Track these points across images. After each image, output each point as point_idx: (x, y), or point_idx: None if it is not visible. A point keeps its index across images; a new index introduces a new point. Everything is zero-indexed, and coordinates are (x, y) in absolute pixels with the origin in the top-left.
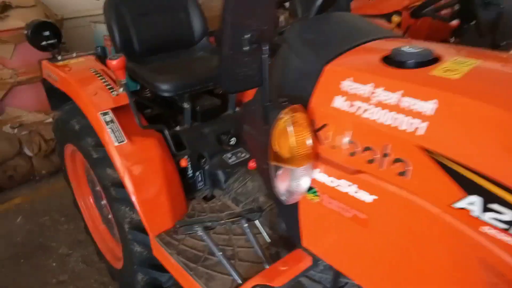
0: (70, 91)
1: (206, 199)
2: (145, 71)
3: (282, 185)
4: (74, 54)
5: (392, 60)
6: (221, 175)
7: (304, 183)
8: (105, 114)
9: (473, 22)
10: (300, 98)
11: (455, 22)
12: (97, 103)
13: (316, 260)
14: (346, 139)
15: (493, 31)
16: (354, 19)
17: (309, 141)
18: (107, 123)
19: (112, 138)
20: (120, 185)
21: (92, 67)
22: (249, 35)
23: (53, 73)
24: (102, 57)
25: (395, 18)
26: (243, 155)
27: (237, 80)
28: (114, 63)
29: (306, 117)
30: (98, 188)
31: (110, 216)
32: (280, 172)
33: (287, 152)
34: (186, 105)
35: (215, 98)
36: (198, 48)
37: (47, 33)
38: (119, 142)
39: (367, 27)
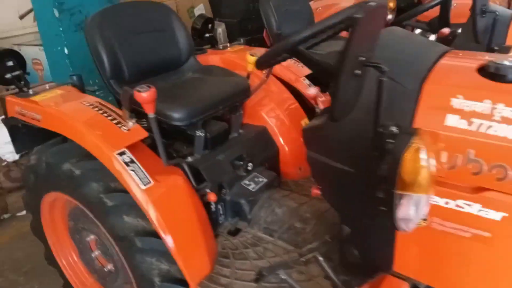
0: (67, 131)
1: (231, 233)
2: None
3: (402, 213)
4: (47, 86)
5: (492, 74)
6: (244, 204)
7: (426, 208)
8: (122, 154)
9: (459, 30)
10: (398, 120)
11: (446, 30)
12: (110, 142)
13: (415, 286)
14: (467, 158)
15: (490, 37)
16: (403, 33)
17: (435, 166)
18: (127, 164)
19: (137, 180)
20: (148, 233)
21: (83, 100)
22: (363, 58)
23: (32, 111)
24: (79, 86)
25: None
26: (260, 179)
27: (347, 106)
28: (144, 95)
29: (431, 141)
30: (91, 239)
31: (110, 267)
32: (403, 200)
33: (417, 179)
34: (199, 133)
35: (221, 122)
36: (187, 69)
37: (10, 63)
38: (145, 185)
39: (422, 40)
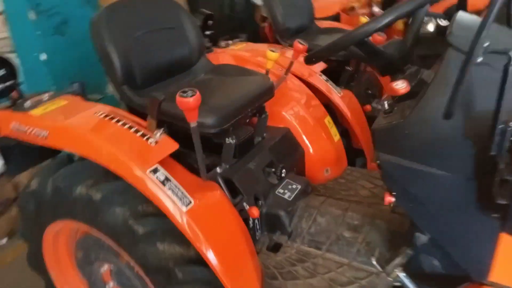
0: (82, 148)
1: (272, 249)
2: (172, 106)
3: None
4: (45, 97)
5: None
6: (283, 216)
7: None
8: (155, 171)
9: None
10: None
11: None
12: (140, 158)
13: None
14: None
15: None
16: None
17: None
18: (163, 183)
19: (177, 201)
20: (188, 261)
21: (95, 110)
22: (487, 43)
23: (35, 126)
24: (82, 95)
25: (363, 19)
26: (294, 186)
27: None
28: (191, 100)
29: None
30: (105, 270)
31: None
32: None
33: None
34: (229, 140)
35: (247, 126)
36: (199, 69)
37: (2, 71)
38: (186, 206)
39: None
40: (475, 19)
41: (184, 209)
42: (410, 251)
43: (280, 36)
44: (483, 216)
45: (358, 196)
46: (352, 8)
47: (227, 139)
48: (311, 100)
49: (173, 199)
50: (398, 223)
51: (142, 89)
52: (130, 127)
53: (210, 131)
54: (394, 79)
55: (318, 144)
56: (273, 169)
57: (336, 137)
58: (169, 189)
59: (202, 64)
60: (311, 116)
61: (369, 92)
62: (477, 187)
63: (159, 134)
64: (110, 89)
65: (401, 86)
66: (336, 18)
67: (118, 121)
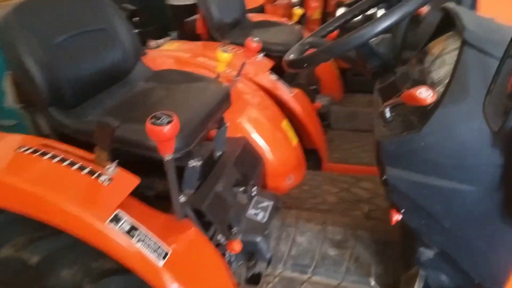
0: (6, 200)
1: (252, 281)
2: (126, 130)
3: None
4: None
5: None
6: (261, 242)
7: None
8: (116, 220)
9: None
10: None
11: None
12: (94, 205)
13: None
14: None
15: None
16: None
17: None
18: (129, 233)
19: (151, 256)
20: None
21: (14, 144)
22: None
23: None
24: None
25: (297, 11)
26: (264, 204)
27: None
28: (168, 130)
29: None
30: None
31: None
32: None
33: None
34: (194, 162)
35: (206, 142)
36: (136, 77)
37: None
38: (163, 258)
39: None
40: (475, 14)
41: (161, 263)
42: (423, 272)
43: (219, 32)
44: (506, 227)
45: (327, 204)
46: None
47: (190, 161)
48: (266, 103)
49: (145, 253)
50: (382, 231)
51: (74, 108)
52: (72, 164)
53: (177, 154)
54: (384, 81)
55: (279, 152)
56: (243, 188)
57: (294, 140)
58: (139, 240)
59: (140, 71)
60: (268, 121)
61: (311, 88)
62: (502, 198)
63: (112, 169)
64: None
65: (426, 94)
66: (260, 9)
67: (53, 156)
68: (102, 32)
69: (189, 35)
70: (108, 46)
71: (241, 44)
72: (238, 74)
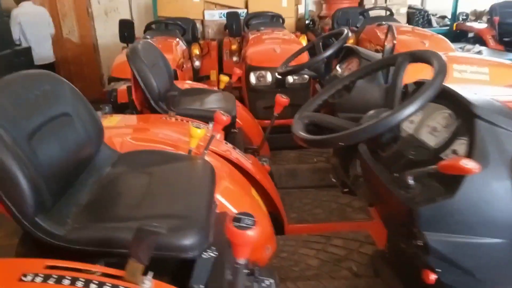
0: None
1: None
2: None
3: None
4: None
5: None
6: None
7: None
8: None
9: None
10: None
11: None
12: None
13: None
14: None
15: None
16: None
17: None
18: None
19: None
20: None
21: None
22: None
23: None
24: None
25: (223, 77)
26: (267, 282)
27: None
28: (252, 235)
29: None
30: None
31: None
32: None
33: None
34: (208, 254)
35: None
36: (101, 162)
37: None
38: None
39: None
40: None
41: None
42: None
43: (163, 104)
44: None
45: (313, 269)
46: (182, 65)
47: (204, 253)
48: (234, 174)
49: None
50: (380, 285)
51: (51, 211)
52: (101, 286)
53: (192, 254)
54: (384, 150)
55: (256, 223)
56: (247, 271)
57: (264, 208)
58: None
59: (104, 154)
60: (242, 193)
61: (252, 150)
62: None
63: (148, 283)
64: None
65: (472, 165)
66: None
67: (73, 280)
68: (66, 117)
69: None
70: (73, 131)
71: (187, 115)
72: (207, 148)
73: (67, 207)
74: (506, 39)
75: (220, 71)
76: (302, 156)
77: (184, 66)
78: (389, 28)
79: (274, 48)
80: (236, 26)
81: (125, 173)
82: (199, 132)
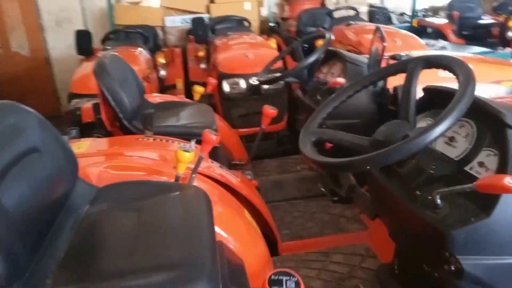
0: None
1: None
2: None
3: None
4: None
5: None
6: None
7: None
8: None
9: None
10: None
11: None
12: None
13: None
14: None
15: None
16: None
17: None
18: None
19: None
20: None
21: None
22: None
23: None
24: None
25: (198, 89)
26: None
27: None
28: None
29: None
30: None
31: None
32: None
33: None
34: None
35: None
36: (78, 201)
37: None
38: None
39: None
40: None
41: None
42: None
43: (142, 122)
44: None
45: None
46: (148, 76)
47: None
48: (226, 197)
49: None
50: None
51: (28, 276)
52: None
53: None
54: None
55: (254, 249)
56: None
57: (259, 230)
58: None
59: (81, 191)
60: (236, 218)
61: (236, 164)
62: None
63: None
64: None
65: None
66: None
67: None
68: (35, 153)
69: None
70: (43, 168)
71: (166, 134)
72: (195, 171)
73: (45, 264)
74: (465, 33)
75: (186, 79)
76: (284, 164)
77: (150, 77)
78: (377, 30)
79: (246, 54)
80: (203, 32)
81: (108, 211)
82: (188, 156)
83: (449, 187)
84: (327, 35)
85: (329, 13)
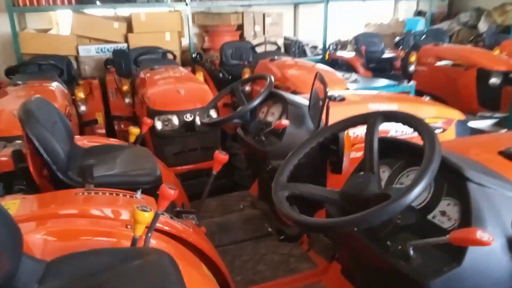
0: None
1: None
2: None
3: None
4: None
5: None
6: None
7: None
8: None
9: None
10: None
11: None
12: None
13: None
14: None
15: None
16: None
17: None
18: None
19: None
20: None
21: None
22: None
23: None
24: None
25: (133, 130)
26: None
27: None
28: None
29: None
30: None
31: None
32: None
33: None
34: None
35: None
36: (24, 280)
37: None
38: None
39: None
40: None
41: None
42: None
43: (82, 174)
44: None
45: None
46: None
47: None
48: (185, 254)
49: None
50: None
51: None
52: None
53: None
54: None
55: None
56: None
57: (216, 282)
58: None
59: (27, 268)
60: (198, 277)
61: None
62: None
63: None
64: None
65: (487, 237)
66: None
67: None
68: None
69: None
70: None
71: (109, 185)
72: (151, 230)
73: None
74: (371, 66)
75: (108, 113)
76: (226, 202)
77: (71, 113)
78: (319, 77)
79: (177, 89)
80: (126, 64)
81: None
82: (147, 216)
83: (414, 236)
84: (269, 78)
85: (253, 47)
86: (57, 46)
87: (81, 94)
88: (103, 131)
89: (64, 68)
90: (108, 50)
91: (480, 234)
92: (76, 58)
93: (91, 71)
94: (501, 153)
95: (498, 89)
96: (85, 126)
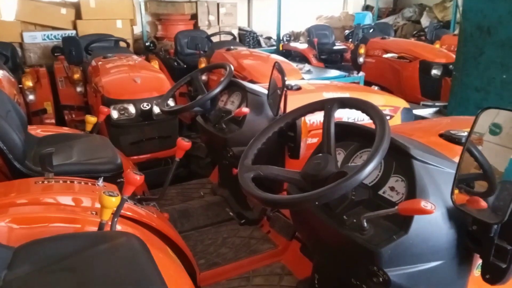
0: None
1: None
2: None
3: None
4: None
5: None
6: None
7: None
8: None
9: None
10: None
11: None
12: None
13: None
14: None
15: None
16: None
17: None
18: None
19: None
20: None
21: None
22: None
23: None
24: None
25: (90, 118)
26: None
27: None
28: None
29: None
30: None
31: None
32: None
33: None
34: None
35: None
36: None
37: None
38: None
39: None
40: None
41: None
42: None
43: (41, 162)
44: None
45: None
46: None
47: None
48: (151, 239)
49: None
50: None
51: None
52: None
53: None
54: None
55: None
56: None
57: (182, 265)
58: None
59: None
60: (165, 260)
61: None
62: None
63: None
64: None
65: (430, 206)
66: None
67: None
68: None
69: None
70: None
71: (70, 173)
72: (117, 215)
73: None
74: (323, 57)
75: (57, 102)
76: (186, 190)
77: (20, 102)
78: (277, 67)
79: (133, 78)
80: (77, 52)
81: (33, 275)
82: (114, 200)
83: (368, 209)
84: (228, 68)
85: (208, 37)
86: (0, 32)
87: (29, 83)
88: (53, 121)
89: (9, 56)
90: (55, 37)
91: (424, 204)
92: (21, 45)
93: (37, 59)
94: (441, 135)
95: (439, 80)
96: (34, 116)
